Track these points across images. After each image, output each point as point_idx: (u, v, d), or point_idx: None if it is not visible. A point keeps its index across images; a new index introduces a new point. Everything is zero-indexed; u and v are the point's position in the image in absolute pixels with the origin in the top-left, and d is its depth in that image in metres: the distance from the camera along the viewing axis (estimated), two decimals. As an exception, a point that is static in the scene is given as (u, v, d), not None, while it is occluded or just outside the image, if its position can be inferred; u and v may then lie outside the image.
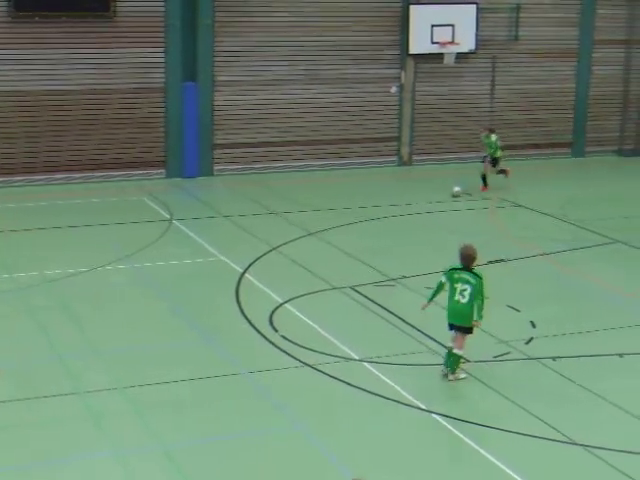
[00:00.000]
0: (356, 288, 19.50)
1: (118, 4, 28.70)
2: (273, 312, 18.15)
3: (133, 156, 29.60)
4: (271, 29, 30.34)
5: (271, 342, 16.74)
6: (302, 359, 15.98)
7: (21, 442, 13.24)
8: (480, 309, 15.09)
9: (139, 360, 15.97)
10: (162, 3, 29.12)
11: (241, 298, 18.97)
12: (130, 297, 19.17)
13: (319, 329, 17.26)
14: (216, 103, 30.17)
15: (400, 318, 17.78)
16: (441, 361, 15.74)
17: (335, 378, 15.28)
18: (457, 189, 27.58)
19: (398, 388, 14.91)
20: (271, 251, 22.05)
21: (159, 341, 16.86)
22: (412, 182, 30.31)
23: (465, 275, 15.01)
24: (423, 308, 15.44)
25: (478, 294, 14.99)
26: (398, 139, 32.24)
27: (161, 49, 29.36)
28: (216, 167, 30.44)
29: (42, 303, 18.61)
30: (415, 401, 14.55)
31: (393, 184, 28.93)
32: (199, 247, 22.44)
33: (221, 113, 30.28)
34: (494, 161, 28.43)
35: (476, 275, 15.07)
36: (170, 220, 24.70)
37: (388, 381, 15.12)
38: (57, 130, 28.83)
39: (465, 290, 14.94)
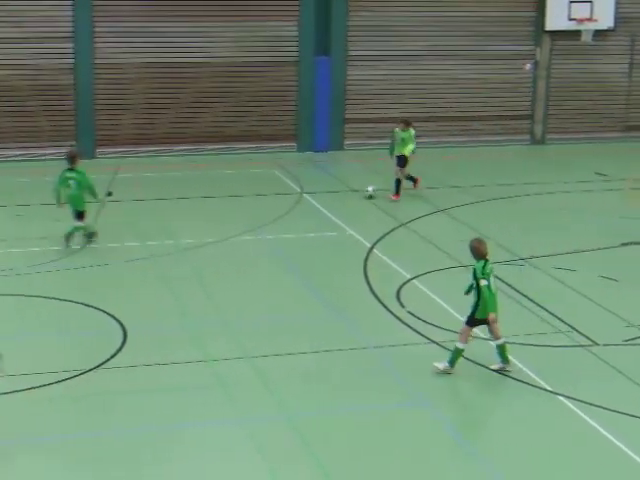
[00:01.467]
0: (484, 266, 19.33)
1: (254, -22, 29.02)
2: (400, 288, 18.15)
3: (265, 129, 29.87)
4: (405, 3, 30.19)
5: (398, 318, 16.76)
6: (429, 336, 15.96)
7: (151, 406, 13.56)
8: None
9: (266, 330, 16.15)
10: (297, -22, 29.31)
11: (369, 273, 19.02)
12: (259, 268, 19.38)
13: (446, 306, 17.20)
14: (349, 78, 30.21)
15: (529, 298, 17.59)
16: (569, 342, 15.56)
17: (461, 356, 15.20)
18: (370, 189, 24.46)
19: (524, 368, 14.77)
20: (400, 227, 22.04)
21: (286, 312, 17.04)
22: (545, 161, 29.86)
23: (490, 265, 14.62)
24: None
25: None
26: (531, 117, 31.80)
27: (295, 23, 29.51)
28: (347, 141, 30.50)
29: (174, 271, 18.99)
30: (541, 382, 14.39)
31: (526, 163, 28.57)
32: (328, 221, 22.55)
33: (353, 88, 30.30)
34: (403, 160, 24.35)
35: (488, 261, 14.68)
36: (300, 193, 24.88)
37: (514, 361, 14.98)
38: (191, 101, 29.29)
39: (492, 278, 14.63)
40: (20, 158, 28.17)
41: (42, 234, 20.88)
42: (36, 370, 14.43)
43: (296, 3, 29.36)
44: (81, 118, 28.35)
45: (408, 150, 24.23)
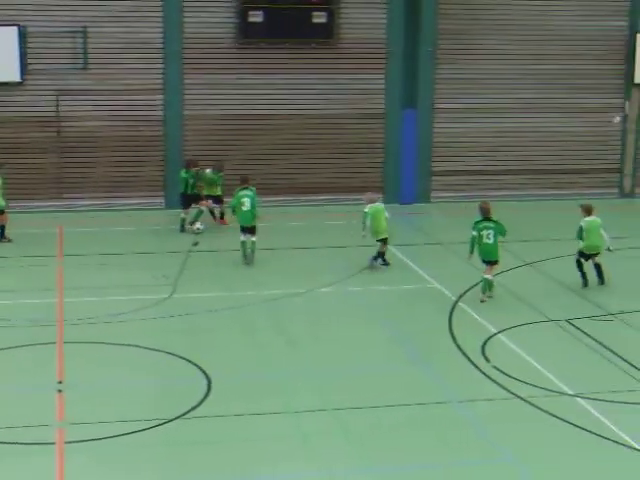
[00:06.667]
0: (572, 321, 19.04)
1: (341, 32, 29.21)
2: (486, 342, 17.91)
3: (353, 181, 29.92)
4: (490, 56, 30.16)
5: (482, 372, 16.52)
6: (513, 391, 15.70)
7: (230, 456, 13.51)
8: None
9: (349, 382, 16.03)
10: (384, 31, 29.47)
11: (454, 326, 18.84)
12: (343, 320, 19.31)
13: (532, 361, 16.91)
14: (435, 130, 30.20)
15: (617, 355, 17.23)
16: (660, 401, 15.24)
17: (546, 412, 14.93)
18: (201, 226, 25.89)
19: (613, 426, 14.41)
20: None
21: (370, 364, 16.90)
22: (635, 215, 29.43)
23: (486, 224, 20.05)
24: (469, 259, 20.62)
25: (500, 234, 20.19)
26: (620, 171, 31.41)
27: (382, 76, 29.65)
28: (433, 194, 30.42)
29: (258, 322, 19.01)
30: (631, 441, 14.01)
31: (615, 216, 28.10)
32: (413, 273, 22.44)
33: (440, 140, 30.27)
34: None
35: (495, 221, 20.16)
36: (385, 245, 24.78)
37: (603, 419, 14.65)
38: (279, 153, 29.52)
39: (490, 234, 19.96)
40: (105, 207, 28.62)
41: (122, 283, 21.26)
42: (122, 417, 14.49)
43: (383, 56, 29.52)
44: (169, 169, 28.71)
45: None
